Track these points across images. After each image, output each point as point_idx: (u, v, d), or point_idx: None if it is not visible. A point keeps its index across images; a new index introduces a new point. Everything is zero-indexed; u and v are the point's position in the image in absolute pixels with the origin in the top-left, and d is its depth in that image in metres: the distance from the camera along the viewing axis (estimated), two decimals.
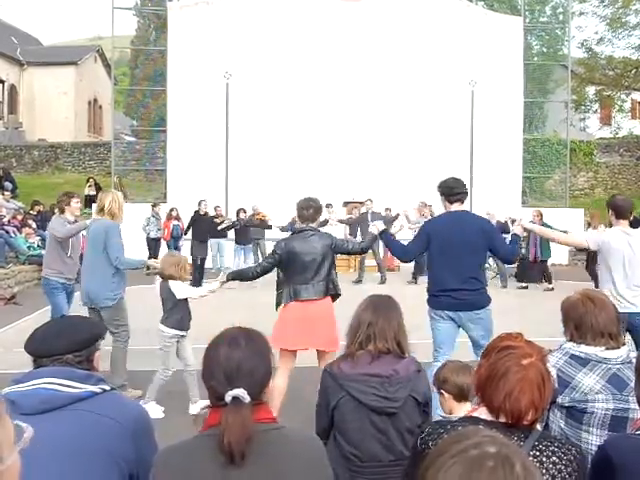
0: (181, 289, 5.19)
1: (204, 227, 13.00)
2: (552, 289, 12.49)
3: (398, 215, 13.92)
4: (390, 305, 2.77)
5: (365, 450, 2.58)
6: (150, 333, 5.79)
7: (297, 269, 4.72)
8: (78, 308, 6.25)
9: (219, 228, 13.84)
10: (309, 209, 4.86)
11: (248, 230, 13.58)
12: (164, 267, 5.18)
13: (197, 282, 11.59)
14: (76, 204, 6.55)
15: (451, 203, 4.73)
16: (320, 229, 5.06)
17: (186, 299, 5.22)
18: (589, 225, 13.75)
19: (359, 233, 13.62)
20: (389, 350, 2.63)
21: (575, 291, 2.75)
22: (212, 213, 13.69)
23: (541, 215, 12.93)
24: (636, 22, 24.99)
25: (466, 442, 1.06)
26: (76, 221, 6.52)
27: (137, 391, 5.64)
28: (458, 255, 4.44)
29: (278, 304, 5.09)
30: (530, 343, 1.81)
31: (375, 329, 2.65)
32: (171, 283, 5.14)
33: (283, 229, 13.49)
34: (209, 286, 5.34)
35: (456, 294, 4.44)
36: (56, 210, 6.98)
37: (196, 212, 13.30)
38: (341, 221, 13.81)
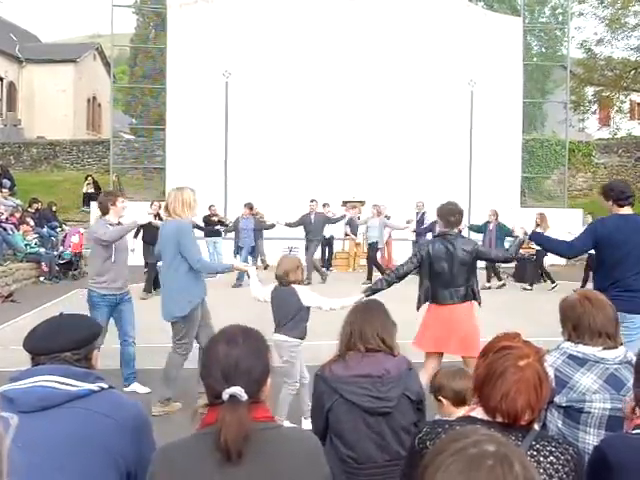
0: (310, 296, 4.75)
1: (155, 230, 12.08)
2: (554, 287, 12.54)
3: (344, 216, 13.92)
4: (372, 307, 2.81)
5: (361, 451, 2.58)
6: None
7: (438, 272, 4.77)
8: (76, 306, 6.24)
9: (222, 230, 13.89)
10: (456, 214, 4.90)
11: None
12: (287, 270, 4.69)
13: (149, 287, 11.14)
14: (122, 203, 6.00)
15: (621, 206, 4.70)
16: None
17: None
18: (537, 226, 13.80)
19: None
20: (375, 348, 2.64)
21: (573, 291, 2.76)
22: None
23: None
24: (635, 23, 25.00)
25: (465, 441, 1.07)
26: (119, 223, 5.98)
27: (177, 403, 5.40)
28: (637, 257, 4.51)
29: (420, 304, 5.06)
30: (528, 343, 1.81)
31: (357, 329, 2.67)
32: (298, 289, 4.72)
33: (290, 225, 13.40)
34: (342, 301, 4.71)
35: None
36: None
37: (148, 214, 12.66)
38: (288, 224, 13.32)
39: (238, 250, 13.53)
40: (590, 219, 13.40)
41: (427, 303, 4.95)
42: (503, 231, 12.63)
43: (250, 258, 13.82)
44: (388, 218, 14.98)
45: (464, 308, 4.81)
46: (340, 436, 2.61)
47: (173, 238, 5.08)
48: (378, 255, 14.16)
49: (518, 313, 9.47)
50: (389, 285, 4.91)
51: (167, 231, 5.20)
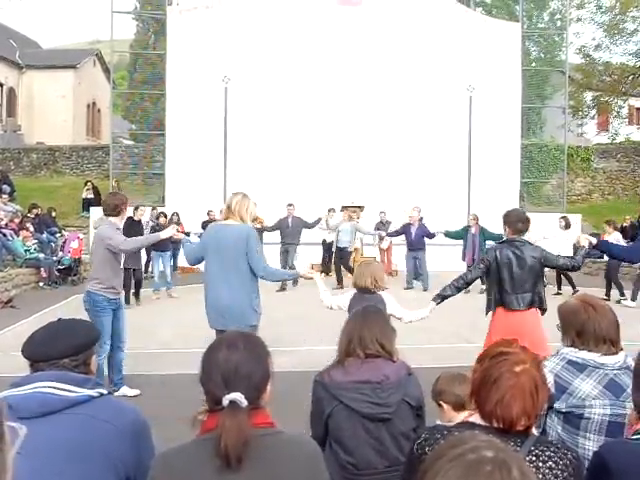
0: (396, 305, 4.62)
1: (138, 235, 11.11)
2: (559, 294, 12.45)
3: (320, 219, 13.94)
4: (371, 313, 2.81)
5: (360, 457, 2.58)
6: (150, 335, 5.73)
7: (506, 278, 4.81)
8: (75, 312, 6.21)
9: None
10: (524, 221, 4.98)
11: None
12: (376, 277, 4.53)
13: (128, 295, 10.81)
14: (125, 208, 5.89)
15: None
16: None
17: None
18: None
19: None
20: (374, 354, 2.63)
21: (571, 296, 2.75)
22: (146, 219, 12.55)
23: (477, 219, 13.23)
24: (633, 28, 25.10)
25: (463, 446, 1.07)
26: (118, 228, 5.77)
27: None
28: None
29: (488, 310, 5.11)
30: (525, 349, 1.81)
31: (356, 335, 2.67)
32: (385, 296, 4.59)
33: (266, 229, 13.19)
34: (420, 313, 4.74)
35: None
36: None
37: (130, 218, 11.65)
38: (264, 228, 13.08)
39: None
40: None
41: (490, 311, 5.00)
42: (485, 235, 12.78)
43: None
44: (389, 224, 14.99)
45: (531, 314, 4.85)
46: (340, 442, 2.60)
47: (242, 241, 4.74)
48: (377, 257, 14.21)
49: None
50: (458, 291, 4.95)
51: (233, 233, 4.79)
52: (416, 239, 13.62)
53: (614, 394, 2.40)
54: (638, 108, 29.07)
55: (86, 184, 20.62)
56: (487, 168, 18.11)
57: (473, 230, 13.11)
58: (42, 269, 13.66)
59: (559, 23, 23.97)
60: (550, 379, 2.44)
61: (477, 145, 18.46)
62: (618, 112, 26.73)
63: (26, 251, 13.63)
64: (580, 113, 26.29)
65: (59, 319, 2.05)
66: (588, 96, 26.57)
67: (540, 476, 1.65)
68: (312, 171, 16.71)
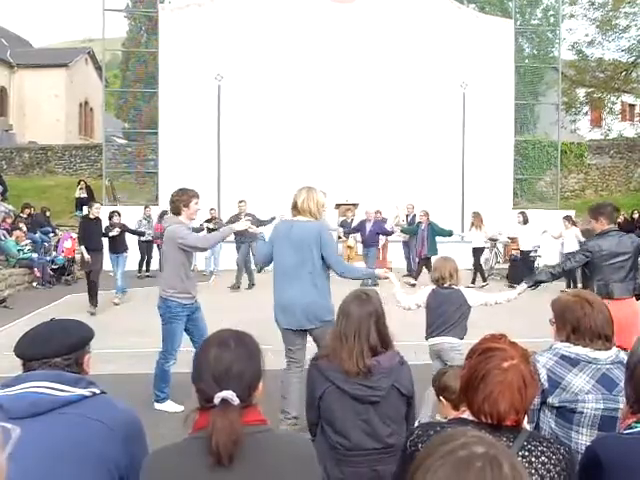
0: (476, 295, 4.71)
1: (95, 234, 10.68)
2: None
3: (274, 218, 13.91)
4: (364, 300, 2.72)
5: (349, 438, 2.62)
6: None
7: (609, 267, 4.98)
8: (68, 312, 6.20)
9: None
10: (617, 211, 5.30)
11: (123, 238, 11.60)
12: (451, 272, 4.56)
13: (93, 297, 10.43)
14: (195, 205, 5.46)
15: None
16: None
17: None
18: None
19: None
20: (370, 348, 2.61)
21: (563, 291, 2.76)
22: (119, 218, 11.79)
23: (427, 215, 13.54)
24: (626, 24, 25.17)
25: (453, 443, 1.07)
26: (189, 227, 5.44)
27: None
28: None
29: None
30: (514, 345, 1.80)
31: (351, 327, 2.63)
32: (463, 289, 4.65)
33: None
34: (507, 294, 4.77)
35: None
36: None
37: (85, 217, 11.15)
38: (208, 226, 12.90)
39: None
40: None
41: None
42: (435, 231, 13.17)
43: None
44: (385, 221, 14.99)
45: (633, 302, 5.03)
46: (330, 423, 2.66)
47: (315, 238, 4.61)
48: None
49: (504, 312, 9.45)
50: (554, 278, 5.15)
51: (304, 231, 4.65)
52: (370, 235, 13.79)
53: (607, 389, 2.41)
54: (631, 104, 29.15)
55: (79, 183, 20.54)
56: (480, 165, 18.14)
57: (423, 226, 13.40)
58: (35, 269, 13.61)
59: (552, 19, 24.00)
60: (543, 374, 2.46)
61: (470, 142, 18.47)
62: (611, 108, 26.81)
63: (19, 251, 13.58)
64: (573, 109, 26.36)
65: (52, 319, 2.04)
66: (581, 92, 26.63)
67: (533, 471, 1.65)
68: (305, 169, 16.65)
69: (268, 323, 4.98)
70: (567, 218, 13.32)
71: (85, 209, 11.86)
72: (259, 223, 13.17)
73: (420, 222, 13.58)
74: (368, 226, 13.86)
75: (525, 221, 13.52)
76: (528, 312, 8.23)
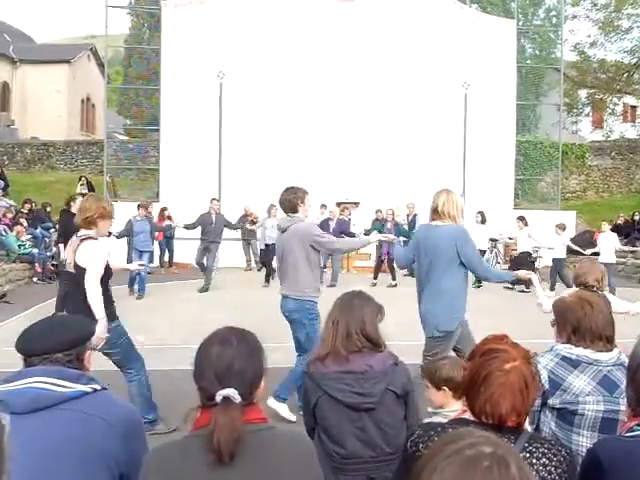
0: (621, 302, 4.50)
1: (76, 229, 10.14)
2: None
3: (243, 225, 13.91)
4: (354, 301, 2.71)
5: (345, 447, 2.60)
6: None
7: None
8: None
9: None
10: None
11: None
12: (598, 278, 4.28)
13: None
14: (308, 202, 5.22)
15: None
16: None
17: None
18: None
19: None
20: (359, 348, 2.61)
21: (565, 292, 2.75)
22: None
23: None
24: (628, 26, 25.18)
25: (461, 442, 1.06)
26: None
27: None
28: None
29: None
30: (516, 346, 1.80)
31: (340, 327, 2.63)
32: (608, 295, 4.35)
33: (188, 227, 12.48)
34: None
35: None
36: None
37: (66, 211, 10.16)
38: (185, 226, 12.29)
39: (140, 255, 11.65)
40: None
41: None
42: (400, 231, 13.13)
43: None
44: (385, 221, 14.99)
45: None
46: (326, 431, 2.64)
47: (450, 243, 4.50)
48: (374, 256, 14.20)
49: (500, 312, 9.47)
50: None
51: (443, 235, 4.56)
52: (333, 235, 13.52)
53: (608, 390, 2.40)
54: (633, 106, 29.14)
55: (80, 179, 20.52)
56: (482, 165, 18.13)
57: (388, 225, 13.29)
58: (36, 264, 13.62)
59: (554, 20, 24.02)
60: (544, 375, 2.45)
61: (472, 142, 18.47)
62: (613, 109, 26.81)
63: (20, 246, 13.58)
64: (575, 110, 26.37)
65: (53, 314, 2.04)
66: (583, 93, 26.64)
67: (534, 472, 1.65)
68: (307, 167, 16.66)
69: (271, 320, 4.98)
70: (520, 218, 13.36)
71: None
72: (228, 225, 12.64)
73: (386, 221, 13.49)
74: (331, 224, 13.62)
75: (483, 221, 13.67)
76: (531, 314, 8.23)
